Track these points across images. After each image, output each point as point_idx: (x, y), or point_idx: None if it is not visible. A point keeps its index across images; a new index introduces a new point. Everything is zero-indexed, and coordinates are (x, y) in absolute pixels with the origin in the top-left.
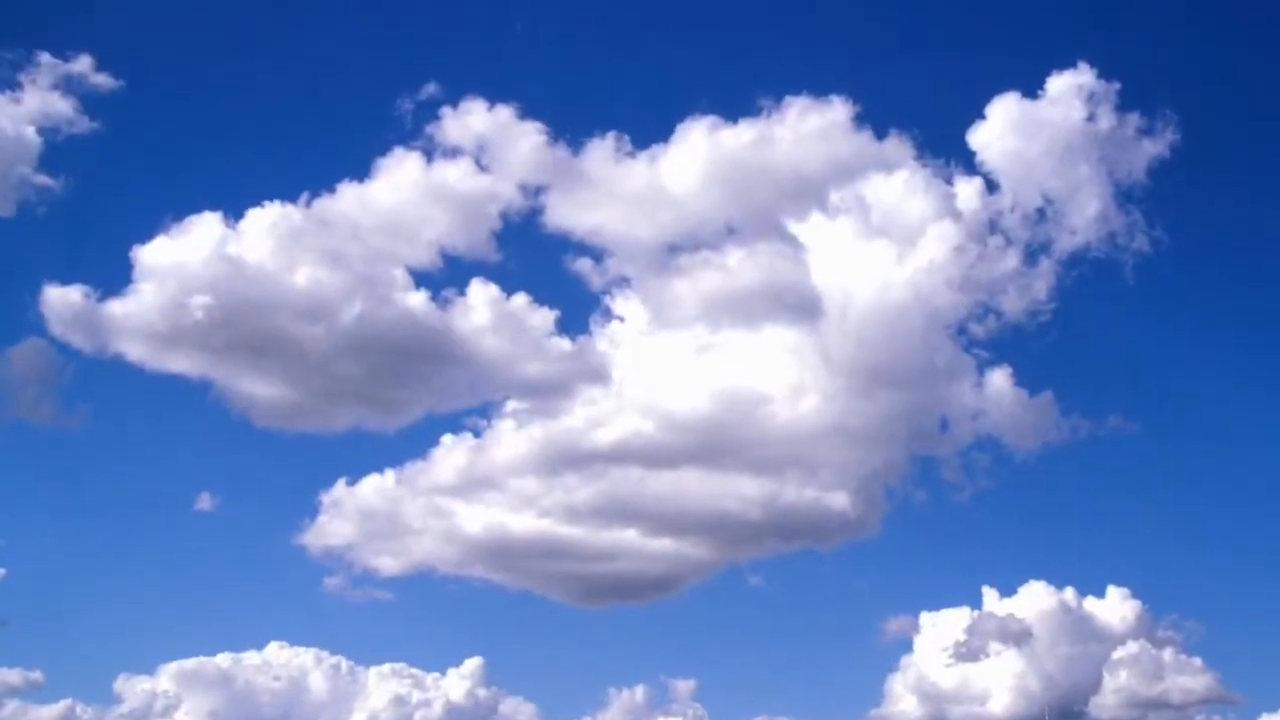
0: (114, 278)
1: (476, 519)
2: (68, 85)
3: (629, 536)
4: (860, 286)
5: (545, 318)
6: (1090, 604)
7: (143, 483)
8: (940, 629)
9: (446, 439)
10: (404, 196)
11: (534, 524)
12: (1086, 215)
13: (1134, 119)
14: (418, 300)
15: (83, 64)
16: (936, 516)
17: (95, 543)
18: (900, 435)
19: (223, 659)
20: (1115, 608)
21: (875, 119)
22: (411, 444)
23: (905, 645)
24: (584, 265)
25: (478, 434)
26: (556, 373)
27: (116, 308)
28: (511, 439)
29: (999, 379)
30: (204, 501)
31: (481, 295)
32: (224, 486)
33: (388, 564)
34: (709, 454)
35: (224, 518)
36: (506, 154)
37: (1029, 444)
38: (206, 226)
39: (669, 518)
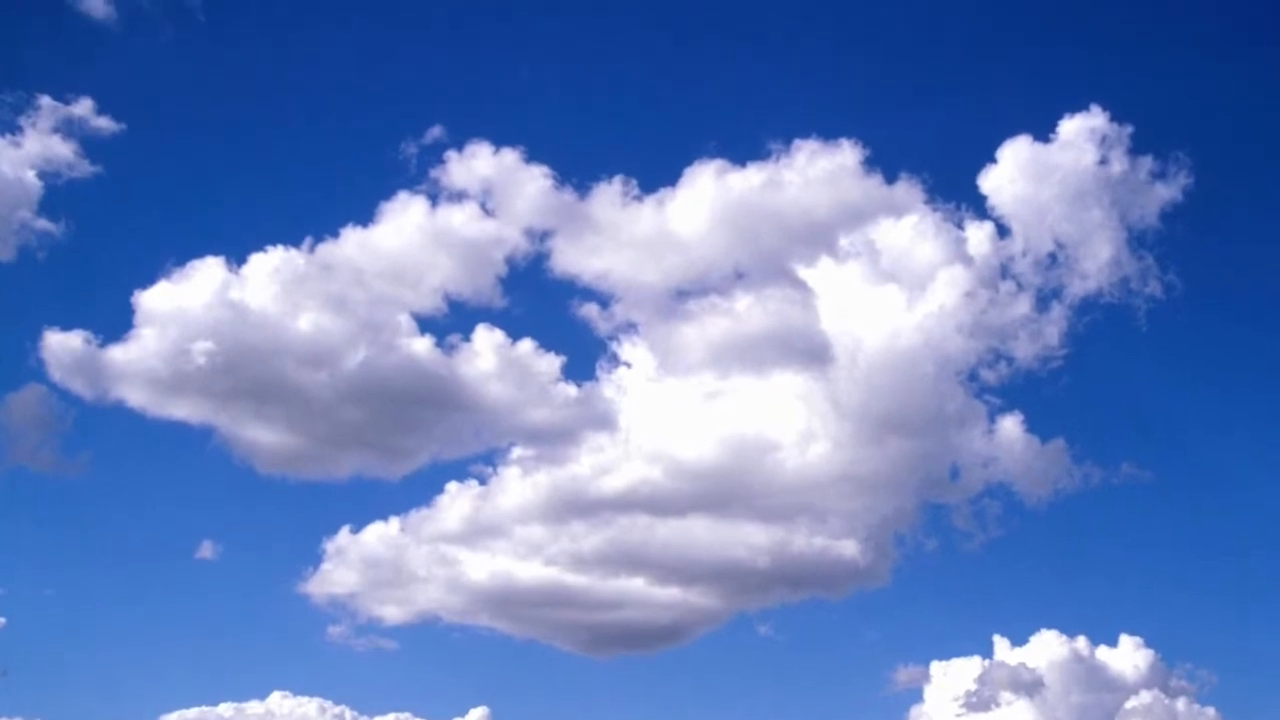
0: (115, 323)
1: (482, 567)
2: (69, 129)
3: (636, 585)
4: (870, 332)
5: (551, 364)
6: (1103, 653)
7: (144, 530)
8: (951, 678)
9: (451, 486)
10: (408, 241)
11: (540, 572)
12: (1099, 260)
13: (1147, 162)
14: (422, 346)
15: (84, 107)
16: (947, 565)
17: (96, 591)
18: (910, 483)
19: (225, 709)
20: (1128, 657)
21: (885, 163)
22: (416, 491)
23: (915, 695)
24: (590, 310)
25: (483, 481)
26: (563, 419)
27: (117, 353)
28: (517, 486)
29: (1010, 426)
30: (206, 549)
31: (487, 341)
32: (226, 534)
33: (392, 612)
34: (717, 502)
35: (226, 566)
36: (512, 198)
37: (1040, 492)
38: (209, 271)
39: (676, 566)
